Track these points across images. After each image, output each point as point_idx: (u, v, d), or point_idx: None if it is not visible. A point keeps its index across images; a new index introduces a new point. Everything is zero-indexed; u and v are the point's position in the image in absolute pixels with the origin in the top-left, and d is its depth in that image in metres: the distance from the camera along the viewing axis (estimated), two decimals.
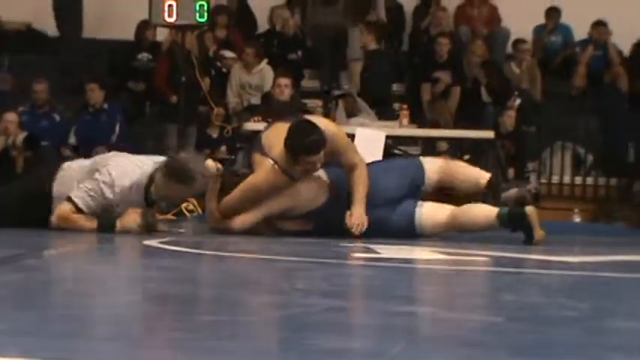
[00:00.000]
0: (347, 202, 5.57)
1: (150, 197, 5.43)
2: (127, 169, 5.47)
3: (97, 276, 3.05)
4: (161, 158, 5.62)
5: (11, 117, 9.52)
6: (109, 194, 5.39)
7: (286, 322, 1.96)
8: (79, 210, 5.39)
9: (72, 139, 10.47)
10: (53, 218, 5.43)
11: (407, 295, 2.74)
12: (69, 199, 5.40)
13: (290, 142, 5.44)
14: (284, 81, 10.10)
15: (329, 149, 5.52)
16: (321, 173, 5.63)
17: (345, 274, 3.30)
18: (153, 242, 4.58)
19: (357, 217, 5.47)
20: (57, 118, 10.65)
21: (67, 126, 10.63)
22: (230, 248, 4.56)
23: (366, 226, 5.46)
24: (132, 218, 5.32)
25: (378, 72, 11.78)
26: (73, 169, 5.64)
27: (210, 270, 3.51)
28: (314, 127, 5.53)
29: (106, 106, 10.60)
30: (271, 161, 5.52)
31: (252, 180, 5.61)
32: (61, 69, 11.35)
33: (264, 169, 5.55)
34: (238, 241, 5.18)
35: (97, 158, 5.78)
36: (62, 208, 5.40)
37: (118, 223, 5.31)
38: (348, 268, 3.62)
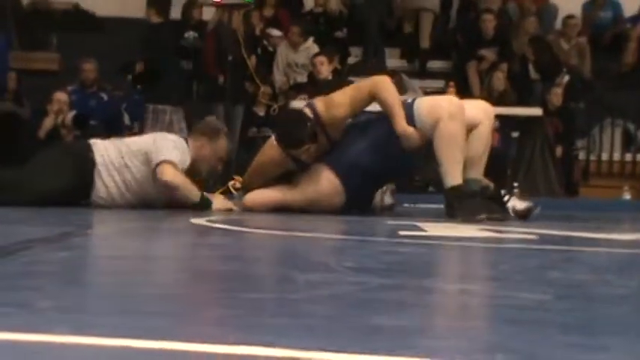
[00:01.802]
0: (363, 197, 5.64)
1: (195, 168, 5.78)
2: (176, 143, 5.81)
3: (144, 254, 3.08)
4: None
5: (61, 96, 9.63)
6: (184, 157, 5.69)
7: (334, 299, 1.97)
8: (174, 165, 5.65)
9: (127, 119, 10.56)
10: (167, 177, 5.52)
11: (454, 273, 2.74)
12: (165, 162, 5.52)
13: (275, 135, 5.72)
14: (320, 59, 10.14)
15: (337, 122, 5.59)
16: (331, 176, 5.62)
17: (392, 252, 3.30)
18: (201, 220, 4.61)
19: (405, 133, 5.39)
20: (105, 97, 10.74)
21: (115, 105, 10.72)
22: (278, 226, 4.58)
23: (418, 134, 5.37)
24: (224, 203, 5.75)
25: None
26: (105, 144, 5.79)
27: (257, 247, 3.53)
28: (298, 119, 5.61)
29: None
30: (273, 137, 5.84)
31: (258, 155, 5.97)
32: (109, 48, 11.43)
33: (267, 144, 5.89)
34: (286, 219, 5.20)
35: (132, 140, 5.93)
36: (169, 169, 5.53)
37: (216, 203, 5.69)
38: (396, 245, 3.62)
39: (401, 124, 5.39)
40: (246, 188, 5.98)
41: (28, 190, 5.58)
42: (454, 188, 5.30)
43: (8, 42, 10.57)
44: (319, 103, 5.73)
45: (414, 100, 5.70)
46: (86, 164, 5.67)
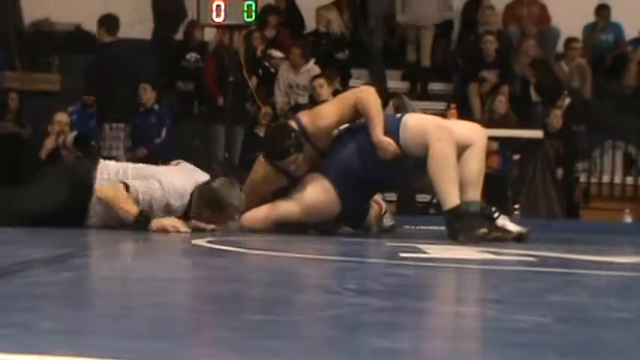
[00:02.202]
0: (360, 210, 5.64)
1: (189, 216, 5.62)
2: (176, 185, 5.60)
3: (144, 275, 3.09)
4: (205, 177, 5.75)
5: (62, 117, 9.65)
6: (156, 203, 5.49)
7: (336, 321, 1.97)
8: (126, 188, 5.51)
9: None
10: (100, 190, 5.50)
11: (455, 295, 2.74)
12: (124, 184, 5.50)
13: (262, 148, 5.77)
14: (319, 82, 10.18)
15: (323, 133, 5.64)
16: (325, 184, 5.64)
17: (392, 274, 3.30)
18: (201, 242, 4.62)
19: (380, 143, 5.44)
20: None
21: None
22: (278, 247, 4.58)
23: (393, 146, 5.41)
24: (172, 221, 5.42)
25: None
26: (110, 167, 5.75)
27: (257, 269, 3.53)
28: (284, 131, 5.69)
29: (156, 107, 10.69)
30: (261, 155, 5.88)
31: (250, 174, 5.97)
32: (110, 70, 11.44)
33: (257, 163, 5.91)
34: (287, 240, 5.20)
35: (144, 168, 5.84)
36: (113, 184, 5.50)
37: (154, 222, 5.41)
38: (396, 267, 3.62)
39: (376, 133, 5.47)
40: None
41: (28, 209, 5.59)
42: (453, 209, 5.30)
43: (8, 62, 10.60)
44: (305, 115, 5.81)
45: (402, 115, 5.74)
46: (85, 182, 5.65)
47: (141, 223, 5.44)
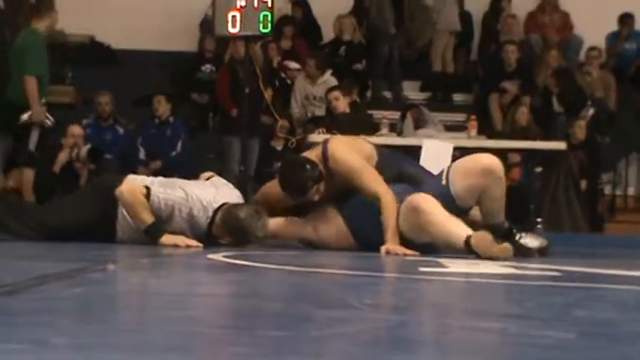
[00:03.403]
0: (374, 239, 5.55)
1: (211, 232, 5.60)
2: (201, 196, 5.58)
3: (160, 290, 3.09)
4: (234, 194, 5.77)
5: (76, 130, 9.66)
6: (179, 212, 5.49)
7: (355, 337, 1.97)
8: (147, 191, 5.50)
9: (142, 154, 10.59)
10: (120, 192, 5.50)
11: (476, 310, 2.74)
12: (146, 187, 5.51)
13: (280, 180, 5.69)
14: (334, 94, 10.16)
15: (338, 180, 5.62)
16: (339, 221, 5.63)
17: (413, 289, 3.30)
18: (217, 256, 4.62)
19: (390, 249, 5.34)
20: (120, 130, 10.80)
21: (130, 138, 10.77)
22: (296, 262, 4.58)
23: (402, 252, 5.29)
24: (182, 239, 5.43)
25: None
26: (138, 181, 5.75)
27: (275, 284, 3.53)
28: (299, 166, 5.63)
29: (172, 119, 10.73)
30: None
31: (263, 187, 6.10)
32: (124, 81, 11.50)
33: (273, 183, 5.90)
34: (305, 255, 5.20)
35: (164, 181, 5.84)
36: (133, 188, 5.50)
37: (165, 237, 5.41)
38: (417, 282, 3.61)
39: (389, 237, 5.35)
40: None
41: (56, 224, 5.63)
42: (467, 242, 5.17)
43: None
44: (334, 144, 5.76)
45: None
46: (112, 197, 5.64)
47: (152, 233, 5.45)
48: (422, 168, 6.05)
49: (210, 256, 4.69)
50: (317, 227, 5.69)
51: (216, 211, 5.57)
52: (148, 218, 5.45)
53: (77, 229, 5.61)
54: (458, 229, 5.10)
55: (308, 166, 5.60)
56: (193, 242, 5.43)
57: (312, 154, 5.76)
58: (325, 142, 5.81)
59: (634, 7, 12.09)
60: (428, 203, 5.24)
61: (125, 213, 5.61)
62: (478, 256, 4.94)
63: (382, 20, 12.32)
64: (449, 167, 5.64)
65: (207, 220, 5.56)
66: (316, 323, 2.20)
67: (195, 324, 2.16)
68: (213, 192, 5.67)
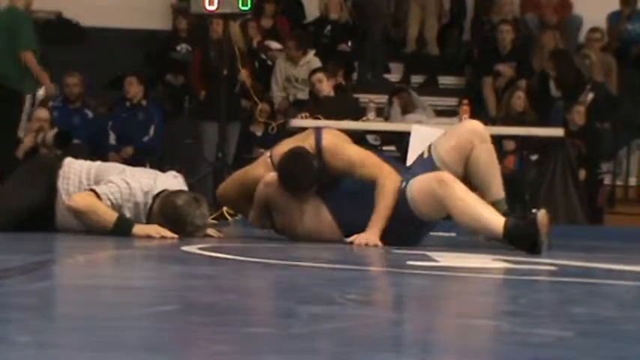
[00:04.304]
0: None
1: (150, 221, 5.61)
2: (142, 183, 5.65)
3: (131, 284, 3.09)
4: (176, 181, 5.80)
5: (42, 113, 9.63)
6: (125, 202, 5.52)
7: (338, 334, 1.97)
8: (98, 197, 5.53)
9: (112, 139, 10.56)
10: (72, 201, 5.50)
11: (467, 307, 2.74)
12: (92, 191, 5.50)
13: (281, 173, 5.62)
14: (318, 76, 10.13)
15: (337, 171, 5.62)
16: (325, 212, 5.63)
17: (400, 284, 3.31)
18: (192, 248, 4.62)
19: (363, 237, 5.40)
20: (89, 114, 10.77)
21: (100, 122, 10.74)
22: (275, 255, 4.58)
23: (373, 244, 5.35)
24: (156, 228, 5.42)
25: None
26: (74, 167, 5.76)
27: (253, 278, 3.53)
28: (305, 165, 5.58)
29: (144, 102, 10.70)
30: (268, 154, 5.81)
31: (245, 169, 6.05)
32: (94, 61, 11.46)
33: (261, 163, 5.87)
34: (285, 247, 5.20)
35: (102, 167, 5.85)
36: (84, 194, 5.50)
37: (137, 228, 5.40)
38: (404, 276, 3.62)
39: (374, 226, 5.41)
40: (220, 196, 6.11)
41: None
42: (506, 233, 5.09)
43: None
44: (328, 136, 5.76)
45: (405, 186, 5.59)
46: (49, 181, 5.67)
47: (121, 228, 5.44)
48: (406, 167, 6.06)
49: (184, 248, 4.68)
50: (302, 218, 5.67)
51: (154, 198, 5.60)
52: (111, 217, 5.44)
53: (17, 213, 5.61)
54: (492, 215, 5.17)
55: (315, 163, 5.57)
56: (168, 233, 5.43)
57: (305, 145, 5.73)
58: (318, 134, 5.78)
59: None
60: (456, 181, 5.29)
61: (65, 193, 5.62)
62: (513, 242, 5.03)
63: None
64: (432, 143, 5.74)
65: (147, 208, 5.58)
66: (298, 320, 2.20)
67: (170, 320, 2.16)
68: (153, 177, 5.70)
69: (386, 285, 3.30)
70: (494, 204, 5.41)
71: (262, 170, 5.79)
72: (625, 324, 2.36)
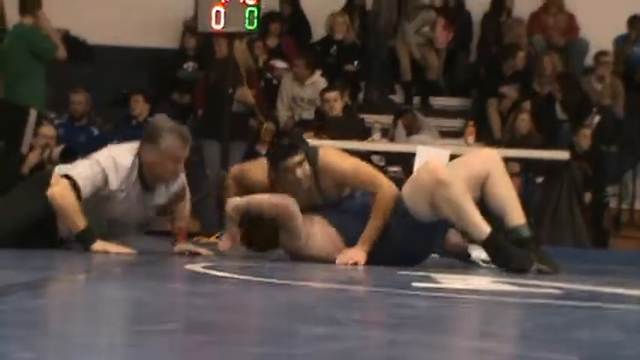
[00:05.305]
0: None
1: (145, 177, 5.69)
2: (122, 150, 5.75)
3: (134, 301, 3.08)
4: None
5: (48, 130, 9.64)
6: (112, 176, 5.57)
7: (341, 355, 1.97)
8: (76, 189, 5.51)
9: None
10: (51, 192, 5.52)
11: (471, 329, 2.73)
12: (67, 177, 5.52)
13: (270, 154, 5.82)
14: (331, 95, 10.12)
15: (335, 184, 5.66)
16: (331, 232, 5.63)
17: (404, 305, 3.30)
18: (196, 267, 4.61)
19: (351, 254, 5.45)
20: (95, 131, 10.78)
21: (106, 140, 10.74)
22: (279, 275, 4.57)
23: (360, 263, 5.42)
24: (115, 247, 5.48)
25: None
26: (62, 171, 5.79)
27: (257, 297, 3.53)
28: (291, 139, 5.89)
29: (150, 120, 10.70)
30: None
31: (245, 167, 6.16)
32: (100, 79, 11.49)
33: (259, 165, 5.97)
34: (288, 267, 5.19)
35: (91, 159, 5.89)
36: (59, 187, 5.51)
37: (97, 244, 5.41)
38: (408, 298, 3.61)
39: (366, 238, 5.49)
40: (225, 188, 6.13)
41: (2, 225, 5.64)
42: (489, 239, 5.30)
43: None
44: (325, 150, 5.81)
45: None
46: (45, 191, 5.70)
47: (83, 239, 5.46)
48: None
49: (187, 266, 4.68)
50: (309, 238, 5.64)
51: (139, 149, 5.71)
52: (80, 223, 5.45)
53: (19, 228, 5.62)
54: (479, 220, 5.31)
55: (304, 141, 5.80)
56: (125, 249, 5.48)
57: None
58: (314, 156, 5.81)
59: None
60: (450, 186, 5.34)
61: None
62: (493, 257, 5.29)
63: (380, 18, 12.29)
64: None
65: (135, 163, 5.65)
66: (300, 340, 2.19)
67: (173, 338, 2.15)
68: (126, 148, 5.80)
69: (390, 306, 3.29)
70: (515, 230, 5.42)
71: (262, 176, 5.81)
72: (630, 348, 2.35)
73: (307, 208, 5.65)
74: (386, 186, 5.59)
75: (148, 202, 5.81)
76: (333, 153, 5.83)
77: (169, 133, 5.66)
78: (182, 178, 5.95)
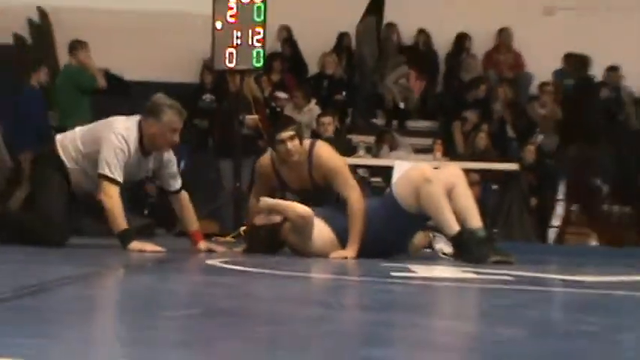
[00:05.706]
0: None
1: (144, 145, 5.63)
2: (127, 125, 5.66)
3: (162, 291, 3.07)
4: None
5: None
6: (126, 150, 5.51)
7: (333, 333, 1.96)
8: (115, 183, 5.44)
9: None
10: (103, 195, 5.42)
11: (439, 310, 2.73)
12: (106, 178, 5.43)
13: (269, 134, 5.82)
14: (326, 119, 10.15)
15: (322, 173, 5.62)
16: (328, 232, 5.59)
17: (385, 291, 3.29)
18: (215, 262, 4.60)
19: (343, 253, 5.43)
20: None
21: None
22: (284, 268, 4.56)
23: (349, 257, 5.39)
24: (149, 245, 5.38)
25: None
26: (67, 142, 5.72)
27: (266, 287, 3.52)
28: (290, 121, 5.95)
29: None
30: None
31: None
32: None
33: (267, 154, 5.91)
34: (292, 261, 5.19)
35: (93, 127, 5.83)
36: (108, 189, 5.42)
37: (134, 244, 5.34)
38: (388, 285, 3.60)
39: (353, 243, 5.44)
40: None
41: (44, 219, 5.56)
42: (455, 237, 5.33)
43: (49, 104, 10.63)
44: (320, 146, 5.78)
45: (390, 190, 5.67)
46: (60, 166, 5.64)
47: (123, 239, 5.36)
48: None
49: (208, 261, 4.67)
50: (312, 238, 5.61)
51: (141, 122, 5.63)
52: (123, 224, 5.39)
53: (60, 219, 5.57)
54: (452, 218, 5.32)
55: (292, 121, 5.89)
56: (157, 248, 5.38)
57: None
58: (312, 144, 5.81)
59: (576, 48, 12.17)
60: (437, 188, 5.35)
61: (69, 160, 5.63)
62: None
63: (361, 59, 12.36)
64: None
65: (137, 134, 5.58)
66: (299, 321, 2.19)
67: (195, 321, 2.15)
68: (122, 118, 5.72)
69: (373, 292, 3.29)
70: (474, 231, 5.41)
71: (267, 160, 5.83)
72: (569, 324, 2.35)
73: (302, 193, 5.64)
74: (357, 194, 5.55)
75: (144, 166, 5.74)
76: (327, 148, 5.79)
77: (169, 109, 5.65)
78: (170, 151, 5.88)
